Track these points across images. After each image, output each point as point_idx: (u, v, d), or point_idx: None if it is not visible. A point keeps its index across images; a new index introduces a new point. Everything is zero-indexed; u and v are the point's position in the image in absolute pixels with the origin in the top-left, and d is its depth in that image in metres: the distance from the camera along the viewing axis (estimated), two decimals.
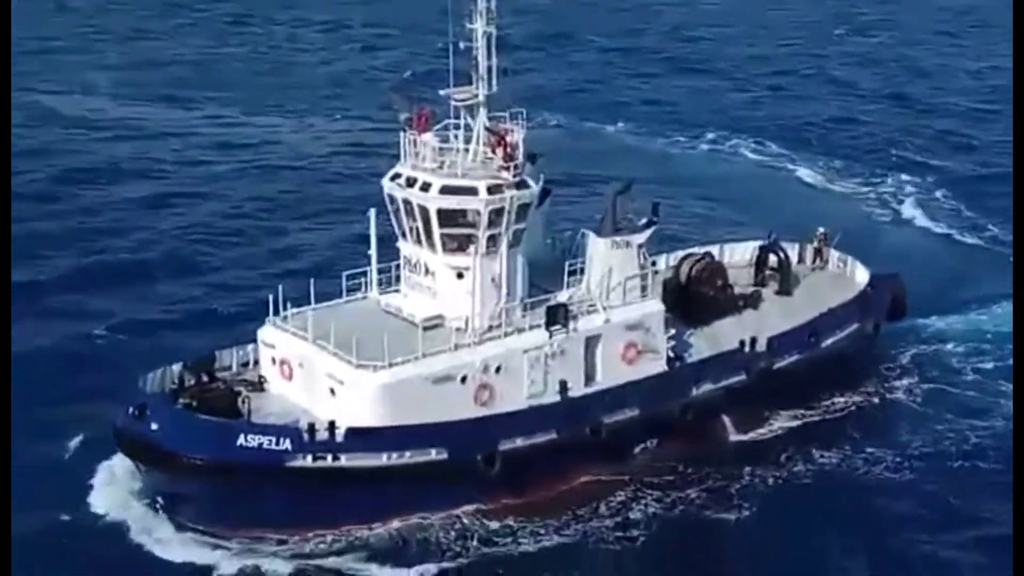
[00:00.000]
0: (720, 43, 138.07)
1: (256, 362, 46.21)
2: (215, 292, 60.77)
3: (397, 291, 47.18)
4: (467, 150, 44.88)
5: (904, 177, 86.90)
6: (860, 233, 70.80)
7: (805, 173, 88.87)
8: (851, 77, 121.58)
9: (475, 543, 42.42)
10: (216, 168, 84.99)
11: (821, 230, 58.86)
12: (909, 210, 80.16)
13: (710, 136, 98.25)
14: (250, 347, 46.46)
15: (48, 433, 46.71)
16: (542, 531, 43.21)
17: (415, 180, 44.33)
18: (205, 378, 44.45)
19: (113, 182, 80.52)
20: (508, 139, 44.38)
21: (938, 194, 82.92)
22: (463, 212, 43.84)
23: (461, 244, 44.31)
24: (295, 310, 45.54)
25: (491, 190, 43.64)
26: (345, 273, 47.30)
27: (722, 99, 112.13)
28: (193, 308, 59.00)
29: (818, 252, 58.15)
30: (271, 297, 45.40)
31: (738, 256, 57.84)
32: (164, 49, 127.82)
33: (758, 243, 57.50)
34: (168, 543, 41.75)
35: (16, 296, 58.13)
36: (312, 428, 40.81)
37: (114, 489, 43.88)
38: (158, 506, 42.69)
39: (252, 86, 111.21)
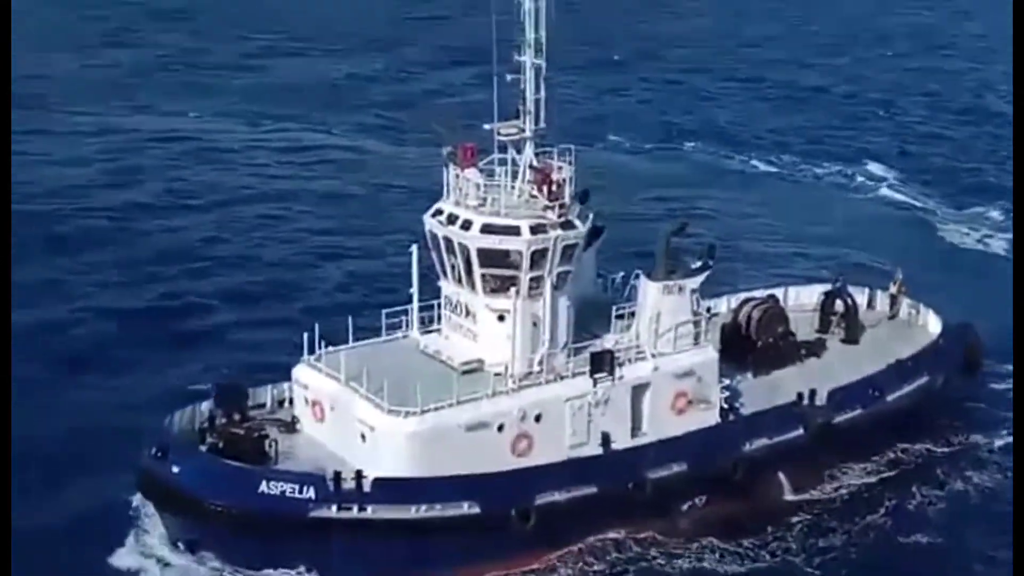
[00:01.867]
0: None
1: (291, 400, 44.64)
2: (255, 326, 59.11)
3: (438, 331, 45.32)
4: (511, 188, 42.90)
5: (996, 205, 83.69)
6: (943, 267, 68.04)
7: (894, 196, 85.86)
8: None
9: None
10: (261, 194, 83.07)
11: (899, 275, 55.86)
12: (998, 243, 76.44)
13: (785, 159, 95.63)
14: (286, 384, 44.92)
15: (75, 472, 45.35)
16: None
17: (456, 217, 42.52)
18: (237, 416, 43.00)
19: (150, 209, 78.85)
20: (554, 176, 42.32)
21: None
22: (505, 252, 41.90)
23: (502, 285, 42.36)
24: (331, 348, 43.86)
25: (534, 230, 41.64)
26: (385, 311, 45.52)
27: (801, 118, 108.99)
28: (231, 342, 57.39)
29: (894, 299, 55.15)
30: (306, 335, 43.71)
31: (804, 299, 55.23)
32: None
33: (825, 287, 54.80)
34: None
35: (44, 323, 57.44)
36: (338, 476, 39.02)
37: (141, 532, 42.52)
38: (180, 550, 41.11)
39: (301, 102, 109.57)
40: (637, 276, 46.42)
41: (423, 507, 39.39)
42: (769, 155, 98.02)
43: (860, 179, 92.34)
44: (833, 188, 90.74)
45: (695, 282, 45.27)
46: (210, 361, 54.21)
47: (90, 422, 48.44)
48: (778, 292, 54.40)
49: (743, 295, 53.72)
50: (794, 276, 63.59)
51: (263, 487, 38.53)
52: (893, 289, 55.47)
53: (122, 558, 41.28)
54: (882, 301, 55.84)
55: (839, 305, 53.37)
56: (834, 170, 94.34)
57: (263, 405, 44.75)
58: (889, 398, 48.80)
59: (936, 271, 67.26)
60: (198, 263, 68.58)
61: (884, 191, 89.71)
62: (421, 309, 45.49)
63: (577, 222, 42.78)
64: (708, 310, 47.45)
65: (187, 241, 72.37)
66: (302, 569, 39.82)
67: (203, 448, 41.16)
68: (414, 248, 44.41)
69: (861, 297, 55.03)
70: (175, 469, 39.31)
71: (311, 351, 43.85)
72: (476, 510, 39.91)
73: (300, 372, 43.84)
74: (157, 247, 71.01)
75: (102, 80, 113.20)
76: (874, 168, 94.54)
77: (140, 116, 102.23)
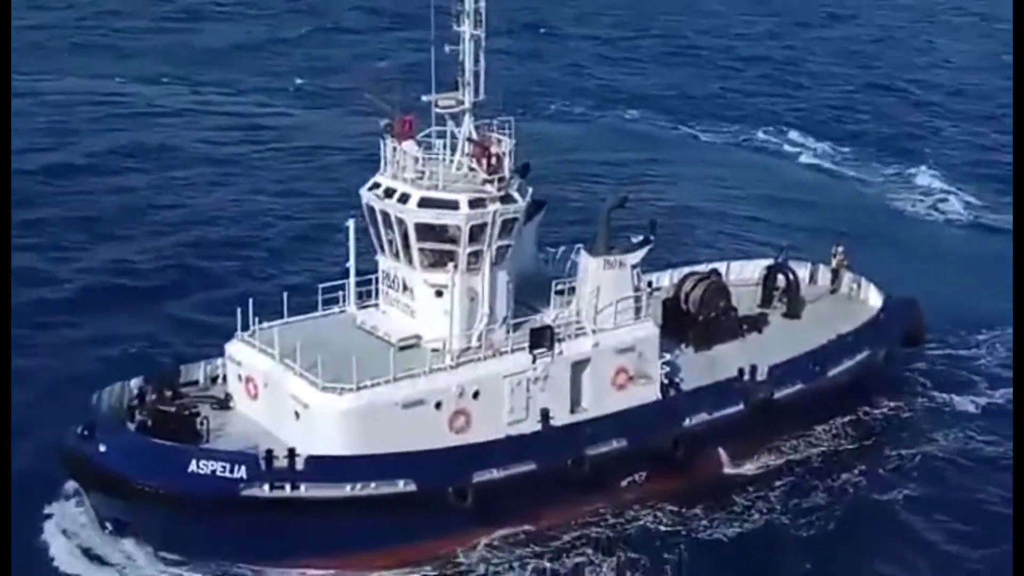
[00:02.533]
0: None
1: (225, 377, 43.69)
2: (187, 301, 57.78)
3: (376, 306, 44.50)
4: (450, 161, 42.09)
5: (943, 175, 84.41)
6: (887, 240, 67.88)
7: (837, 167, 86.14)
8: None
9: None
10: (192, 164, 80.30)
11: (840, 249, 55.66)
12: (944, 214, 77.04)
13: (730, 128, 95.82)
14: (220, 360, 43.95)
15: None
16: (512, 569, 40.49)
17: (393, 191, 41.66)
18: (168, 393, 42.00)
19: (76, 175, 76.25)
20: (493, 150, 41.56)
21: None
22: (443, 227, 41.12)
23: (440, 260, 41.58)
24: (265, 324, 42.91)
25: (473, 204, 40.87)
26: (321, 285, 44.60)
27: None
28: (161, 319, 55.85)
29: (835, 274, 54.94)
30: (239, 310, 42.72)
31: (746, 274, 54.92)
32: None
33: (768, 261, 54.52)
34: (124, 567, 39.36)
35: None
36: (270, 455, 38.17)
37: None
38: (107, 531, 40.13)
39: (230, 65, 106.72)
40: (577, 251, 45.84)
41: (358, 485, 38.63)
42: (714, 125, 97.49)
43: (804, 149, 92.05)
44: (778, 158, 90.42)
45: (635, 257, 44.75)
46: (140, 336, 52.88)
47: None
48: (720, 266, 54.03)
49: (685, 269, 53.30)
50: (739, 248, 63.58)
51: (193, 466, 37.60)
52: (834, 263, 55.30)
53: (47, 538, 40.25)
54: (824, 275, 55.62)
55: (781, 280, 53.07)
56: (778, 140, 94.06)
57: (196, 382, 43.78)
58: (830, 373, 48.62)
59: (881, 244, 67.29)
60: (127, 236, 66.77)
61: (827, 162, 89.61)
62: (359, 284, 44.62)
63: (517, 196, 42.07)
64: (650, 284, 46.98)
65: (115, 212, 70.19)
66: (234, 550, 38.90)
67: (131, 426, 40.15)
68: (351, 222, 43.54)
69: (803, 271, 54.73)
70: (101, 448, 38.24)
71: (245, 327, 42.89)
72: (412, 488, 39.24)
73: (233, 348, 42.89)
74: (85, 214, 69.11)
75: (24, 43, 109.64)
76: (814, 138, 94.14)
77: (68, 79, 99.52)
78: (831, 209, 76.04)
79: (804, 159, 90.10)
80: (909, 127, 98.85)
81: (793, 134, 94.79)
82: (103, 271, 61.29)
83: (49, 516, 41.25)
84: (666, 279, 53.01)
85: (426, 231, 41.09)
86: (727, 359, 47.93)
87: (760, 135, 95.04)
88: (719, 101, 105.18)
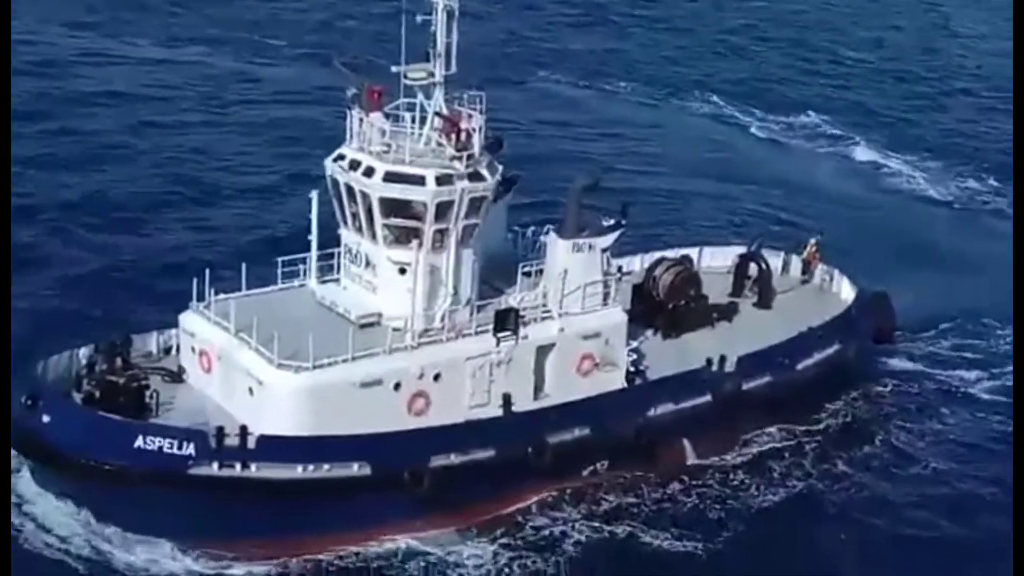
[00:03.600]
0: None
1: (179, 348, 42.31)
2: (140, 270, 55.78)
3: (337, 281, 43.19)
4: (418, 135, 40.73)
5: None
6: (866, 231, 66.89)
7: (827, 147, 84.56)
8: None
9: (396, 564, 38.78)
10: (150, 121, 77.08)
11: (813, 240, 54.71)
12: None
13: (717, 105, 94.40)
14: (174, 331, 42.56)
15: None
16: (468, 556, 39.50)
17: (359, 163, 40.30)
18: (118, 363, 40.60)
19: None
20: (462, 125, 40.24)
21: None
22: (408, 203, 39.81)
23: (405, 237, 40.29)
24: (222, 296, 41.52)
25: (440, 180, 39.56)
26: (281, 259, 43.19)
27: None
28: (114, 286, 53.86)
29: (807, 265, 53.93)
30: (195, 281, 41.30)
31: (719, 261, 53.89)
32: None
33: (740, 249, 53.52)
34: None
35: None
36: (221, 432, 36.85)
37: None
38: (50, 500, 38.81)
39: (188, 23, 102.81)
40: (547, 232, 44.67)
41: (311, 467, 37.43)
42: (703, 98, 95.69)
43: (792, 129, 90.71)
44: (766, 139, 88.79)
45: (606, 241, 43.62)
46: (91, 302, 51.17)
47: None
48: (693, 252, 52.95)
49: (657, 254, 52.19)
50: (714, 233, 62.41)
51: (140, 442, 36.27)
52: (805, 254, 54.30)
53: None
54: (797, 266, 54.66)
55: (753, 269, 52.10)
56: (768, 119, 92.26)
57: (149, 353, 42.39)
58: (799, 366, 47.70)
59: (860, 234, 66.27)
60: (85, 196, 64.56)
61: (815, 143, 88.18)
62: (320, 258, 43.25)
63: (486, 173, 40.79)
64: (619, 269, 45.79)
65: (76, 171, 67.70)
66: (181, 528, 37.62)
67: (78, 397, 38.76)
68: (314, 194, 42.14)
69: (776, 261, 53.75)
70: (45, 419, 36.89)
71: (200, 298, 41.50)
72: (367, 471, 38.08)
73: (187, 320, 41.53)
74: (36, 163, 67.01)
75: None
76: (808, 118, 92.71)
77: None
78: (814, 194, 74.98)
79: (792, 140, 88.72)
80: (908, 109, 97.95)
81: (785, 114, 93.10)
82: (54, 230, 59.41)
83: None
84: (637, 263, 51.89)
85: (391, 206, 39.80)
86: (695, 348, 46.94)
87: (755, 113, 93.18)
88: (712, 74, 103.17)
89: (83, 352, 40.75)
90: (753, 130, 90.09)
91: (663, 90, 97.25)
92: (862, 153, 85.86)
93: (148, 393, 38.94)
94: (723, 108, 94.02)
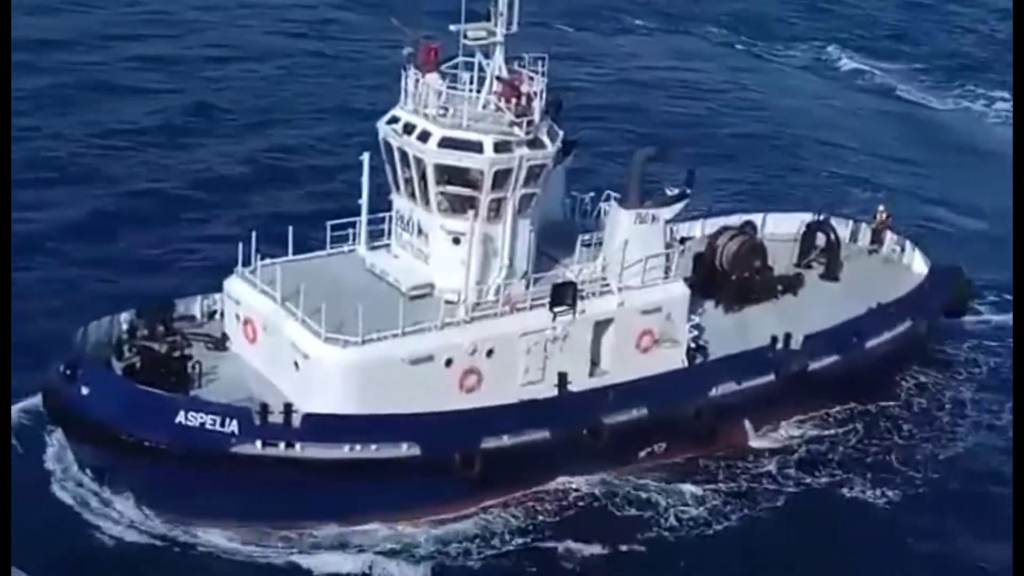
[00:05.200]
0: None
1: (223, 313, 40.79)
2: (185, 239, 53.77)
3: (387, 247, 41.38)
4: (476, 97, 38.61)
5: None
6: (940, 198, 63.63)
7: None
8: None
9: (445, 547, 37.30)
10: (197, 93, 72.83)
11: (882, 207, 52.25)
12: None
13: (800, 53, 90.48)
14: (218, 296, 41.02)
15: None
16: (519, 538, 37.97)
17: (413, 127, 38.30)
18: (161, 328, 39.18)
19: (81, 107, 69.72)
20: (523, 89, 38.08)
21: None
22: (465, 170, 37.82)
23: (460, 206, 38.38)
24: (268, 261, 39.88)
25: (498, 147, 37.54)
26: (330, 222, 41.35)
27: None
28: (158, 249, 52.14)
29: (876, 234, 51.54)
30: (240, 245, 39.64)
31: (784, 228, 51.40)
32: None
33: (807, 216, 51.09)
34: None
35: None
36: (265, 410, 35.35)
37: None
38: (89, 475, 37.57)
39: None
40: (607, 200, 42.57)
41: (357, 447, 35.90)
42: (792, 47, 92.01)
43: (873, 80, 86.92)
44: (852, 88, 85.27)
45: (670, 212, 41.57)
46: (134, 267, 49.65)
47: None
48: (756, 218, 50.70)
49: (720, 220, 50.03)
50: (779, 195, 59.84)
51: (181, 417, 34.84)
52: (876, 223, 51.88)
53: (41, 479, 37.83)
54: (866, 235, 52.24)
55: (821, 238, 49.73)
56: (850, 68, 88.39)
57: (192, 317, 40.94)
58: (868, 345, 45.50)
59: (933, 201, 63.56)
60: (128, 159, 62.38)
61: (896, 95, 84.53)
62: (370, 223, 41.43)
63: (547, 140, 38.69)
64: (682, 241, 43.81)
65: (119, 135, 65.27)
66: (223, 509, 36.28)
67: (118, 366, 37.37)
68: (366, 156, 40.17)
69: (844, 230, 51.39)
70: (84, 391, 35.49)
71: (246, 262, 39.89)
72: (416, 452, 36.50)
73: (232, 285, 39.95)
74: (84, 131, 64.65)
75: None
76: (886, 67, 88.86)
77: None
78: (892, 158, 71.69)
79: (875, 98, 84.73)
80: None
81: (878, 61, 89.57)
82: (103, 195, 57.61)
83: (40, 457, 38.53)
84: (697, 229, 49.71)
85: (446, 173, 37.87)
86: (759, 323, 44.87)
87: (846, 61, 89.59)
88: (809, 20, 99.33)
89: (124, 317, 39.41)
90: (836, 83, 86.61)
91: (739, 37, 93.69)
92: (948, 114, 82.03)
93: (190, 364, 37.46)
94: (806, 55, 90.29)
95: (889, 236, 51.64)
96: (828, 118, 78.89)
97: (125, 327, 39.15)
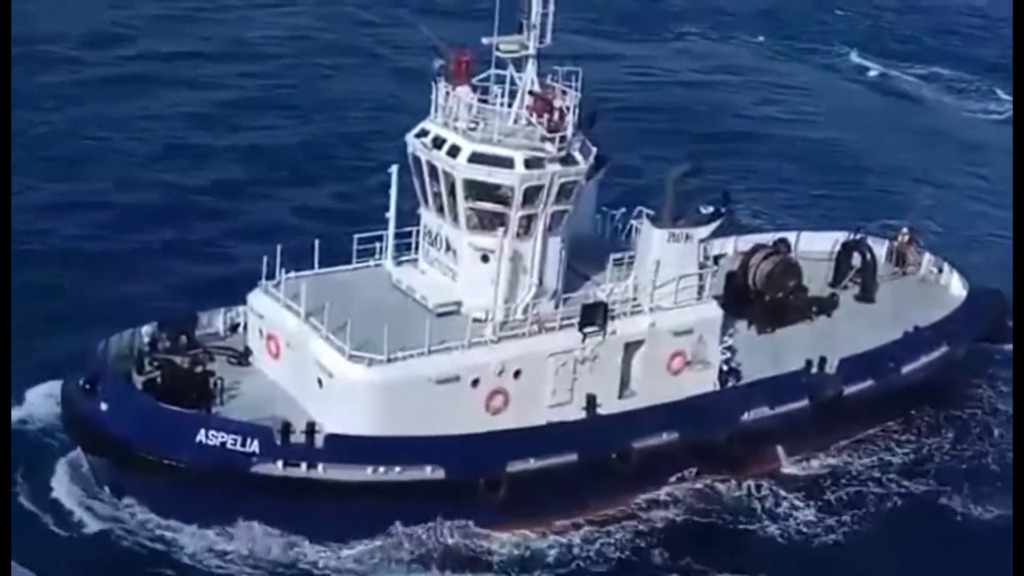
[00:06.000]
0: None
1: (246, 326, 40.05)
2: (209, 250, 52.99)
3: (415, 262, 40.56)
4: (507, 112, 37.74)
5: None
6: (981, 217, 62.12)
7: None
8: None
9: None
10: (222, 100, 72.03)
11: (905, 229, 51.16)
12: None
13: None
14: (242, 308, 40.27)
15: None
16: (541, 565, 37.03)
17: (443, 141, 37.46)
18: (183, 341, 38.51)
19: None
20: (556, 104, 37.19)
21: None
22: (495, 186, 36.96)
23: (489, 222, 37.51)
24: (293, 274, 39.10)
25: (529, 164, 36.67)
26: (357, 235, 40.56)
27: None
28: (180, 263, 51.28)
29: (900, 255, 50.27)
30: (265, 258, 38.87)
31: (818, 246, 50.23)
32: None
33: (842, 236, 49.98)
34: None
35: None
36: (287, 429, 34.61)
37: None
38: (106, 492, 36.87)
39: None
40: (639, 216, 41.63)
41: (381, 469, 35.08)
42: (833, 56, 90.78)
43: (920, 91, 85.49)
44: (895, 102, 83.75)
45: (704, 231, 40.60)
46: (157, 281, 48.93)
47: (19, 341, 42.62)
48: (790, 236, 49.63)
49: (753, 238, 48.99)
50: (812, 213, 58.55)
51: (201, 436, 34.12)
52: (898, 243, 50.52)
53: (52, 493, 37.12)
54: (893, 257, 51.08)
55: (857, 259, 48.61)
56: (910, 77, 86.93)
57: (215, 332, 40.21)
58: (904, 370, 44.39)
59: (976, 220, 62.14)
60: (150, 169, 61.52)
61: (947, 107, 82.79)
62: (398, 237, 40.63)
63: (579, 156, 37.79)
64: (716, 261, 42.76)
65: (140, 141, 64.64)
66: (242, 529, 35.51)
67: (139, 380, 36.67)
68: (394, 169, 39.37)
69: (880, 249, 50.26)
70: (103, 407, 34.85)
71: (271, 276, 39.11)
72: (441, 475, 35.67)
73: (256, 300, 39.21)
74: (98, 139, 63.90)
75: None
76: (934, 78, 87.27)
77: None
78: (935, 168, 70.08)
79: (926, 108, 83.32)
80: None
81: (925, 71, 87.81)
82: (122, 205, 56.81)
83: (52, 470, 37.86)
84: (729, 247, 48.66)
85: (475, 189, 37.01)
86: (792, 346, 43.83)
87: (894, 74, 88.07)
88: (850, 28, 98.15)
89: (146, 330, 38.77)
90: (884, 91, 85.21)
91: (781, 42, 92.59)
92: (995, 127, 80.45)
93: (212, 380, 36.73)
94: (847, 65, 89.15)
95: (916, 256, 50.42)
96: (871, 133, 77.32)
97: (147, 340, 38.51)
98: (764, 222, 55.58)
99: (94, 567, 35.05)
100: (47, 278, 47.69)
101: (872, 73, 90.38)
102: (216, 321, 40.31)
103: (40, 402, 39.49)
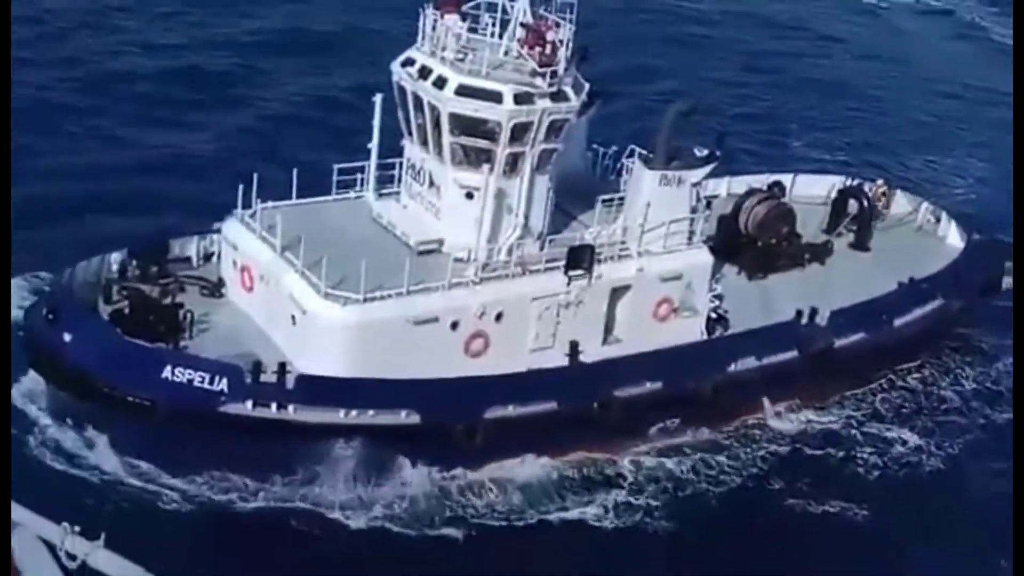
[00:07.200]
0: None
1: (220, 256, 38.62)
2: (179, 172, 51.02)
3: (397, 195, 39.07)
4: (498, 43, 36.02)
5: None
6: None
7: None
8: None
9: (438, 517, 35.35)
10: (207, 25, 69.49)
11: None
12: None
13: None
14: (216, 236, 38.80)
15: None
16: (514, 514, 35.96)
17: (429, 71, 35.82)
18: (154, 269, 37.07)
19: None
20: (548, 37, 35.49)
21: None
22: (482, 121, 35.38)
23: (475, 158, 36.03)
24: (270, 203, 37.59)
25: (519, 99, 35.06)
26: (337, 166, 39.02)
27: None
28: (154, 194, 48.87)
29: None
30: (241, 187, 37.29)
31: (814, 191, 48.86)
32: None
33: (839, 181, 48.59)
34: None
35: None
36: (257, 368, 33.28)
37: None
38: (67, 424, 35.59)
39: None
40: (631, 155, 40.08)
41: (354, 412, 33.87)
42: None
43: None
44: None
45: (698, 175, 39.10)
46: (126, 208, 46.92)
47: None
48: (785, 179, 48.21)
49: (747, 179, 47.56)
50: (808, 155, 56.97)
51: (167, 372, 32.80)
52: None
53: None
54: (900, 202, 49.69)
55: (853, 206, 47.20)
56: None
57: (187, 259, 38.77)
58: (897, 323, 43.22)
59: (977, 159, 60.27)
60: (127, 90, 59.43)
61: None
62: (379, 167, 39.09)
63: (571, 93, 36.17)
64: (708, 204, 41.26)
65: (118, 61, 62.47)
66: (207, 470, 34.38)
67: (105, 310, 35.28)
68: (378, 98, 37.67)
69: (879, 195, 48.85)
70: (66, 337, 33.44)
71: (246, 205, 37.59)
72: (415, 420, 34.48)
73: (230, 229, 37.76)
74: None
75: None
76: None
77: None
78: (952, 115, 68.18)
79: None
80: None
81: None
82: (98, 127, 54.90)
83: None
84: (722, 188, 47.17)
85: (461, 123, 35.49)
86: (783, 294, 42.67)
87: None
88: None
89: (115, 257, 37.29)
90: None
91: None
92: None
93: (182, 312, 35.35)
94: None
95: (924, 205, 49.03)
96: (888, 73, 75.09)
97: (115, 268, 37.07)
98: (758, 161, 53.75)
99: (46, 497, 33.69)
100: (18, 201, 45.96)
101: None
102: (189, 248, 38.89)
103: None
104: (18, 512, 8.93)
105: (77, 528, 7.91)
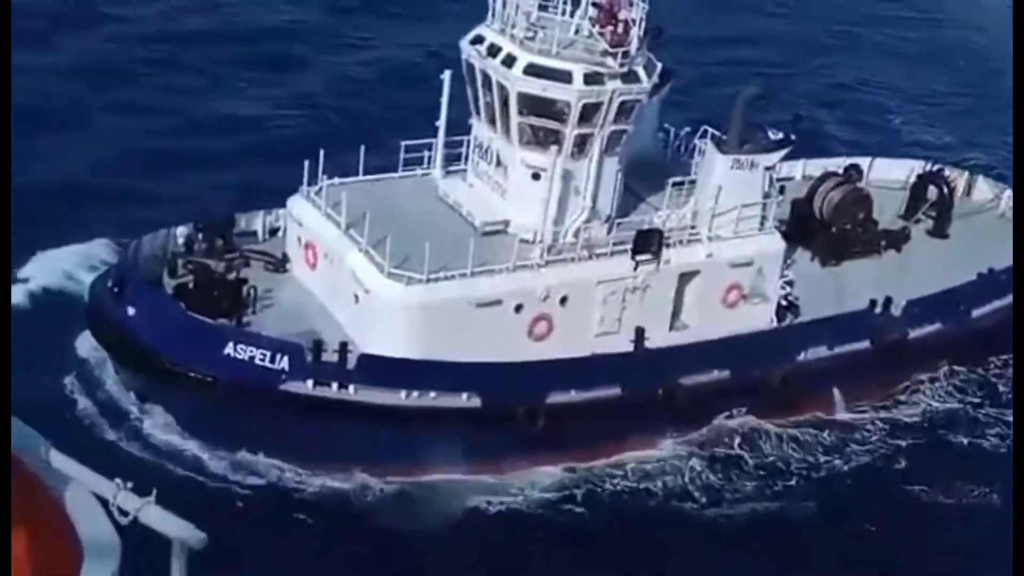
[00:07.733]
0: None
1: (285, 231, 38.48)
2: (247, 148, 50.58)
3: (463, 174, 38.61)
4: (568, 22, 35.32)
5: None
6: None
7: None
8: None
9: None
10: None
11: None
12: None
13: None
14: (282, 211, 38.66)
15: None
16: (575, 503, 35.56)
17: (498, 49, 35.19)
18: (220, 243, 37.01)
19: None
20: (621, 16, 34.69)
21: None
22: (551, 101, 34.73)
23: (543, 139, 35.44)
24: (336, 180, 37.30)
25: (589, 79, 34.34)
26: (405, 143, 38.55)
27: None
28: (222, 170, 48.65)
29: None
30: (307, 163, 37.02)
31: (893, 175, 47.53)
32: None
33: (919, 165, 47.25)
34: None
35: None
36: (319, 347, 33.09)
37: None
38: (131, 396, 35.73)
39: None
40: (704, 136, 39.21)
41: (415, 393, 33.57)
42: None
43: None
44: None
45: (771, 159, 38.14)
46: (198, 182, 46.84)
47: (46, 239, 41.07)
48: (862, 162, 46.92)
49: (822, 163, 46.38)
50: (893, 137, 55.38)
51: (229, 349, 32.73)
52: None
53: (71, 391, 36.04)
54: (982, 188, 48.27)
55: (932, 192, 45.87)
56: None
57: (253, 233, 38.67)
58: (974, 313, 41.96)
59: None
60: (194, 71, 58.74)
61: None
62: (447, 145, 38.62)
63: (642, 74, 35.35)
64: (782, 191, 40.24)
65: (180, 44, 61.44)
66: (266, 448, 34.32)
67: (170, 283, 35.28)
68: (447, 75, 37.19)
69: (960, 181, 47.48)
70: (130, 311, 33.49)
71: (312, 182, 37.33)
72: (477, 403, 34.11)
73: (295, 205, 37.52)
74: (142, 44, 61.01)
75: None
76: None
77: None
78: None
79: None
80: None
81: None
82: (166, 109, 54.61)
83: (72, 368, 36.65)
84: (798, 171, 46.05)
85: (530, 103, 34.87)
86: (857, 282, 41.52)
87: None
88: None
89: (181, 230, 37.25)
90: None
91: None
92: None
93: (246, 287, 35.26)
94: None
95: (1007, 192, 47.47)
96: (990, 51, 72.71)
97: (181, 241, 37.04)
98: (836, 144, 52.44)
99: (99, 459, 33.74)
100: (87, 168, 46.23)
101: None
102: (255, 223, 38.76)
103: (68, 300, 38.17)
104: (72, 467, 8.79)
105: (130, 484, 7.75)
